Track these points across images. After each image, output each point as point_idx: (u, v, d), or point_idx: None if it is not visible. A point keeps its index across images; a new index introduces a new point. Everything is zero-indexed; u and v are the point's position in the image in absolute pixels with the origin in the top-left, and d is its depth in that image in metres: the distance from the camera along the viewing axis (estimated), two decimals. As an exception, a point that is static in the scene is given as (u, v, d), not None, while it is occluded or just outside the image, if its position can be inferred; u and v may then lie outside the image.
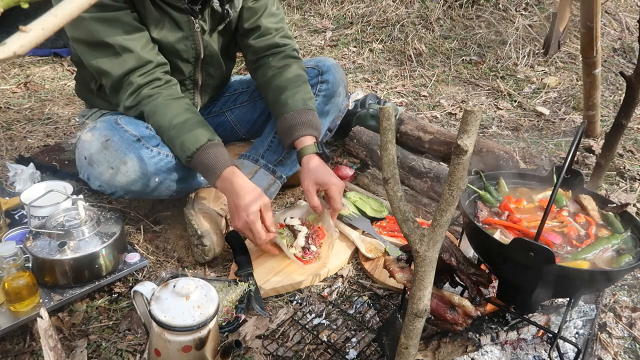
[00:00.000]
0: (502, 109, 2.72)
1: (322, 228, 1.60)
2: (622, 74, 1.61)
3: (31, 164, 1.90)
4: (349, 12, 3.85)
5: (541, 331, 1.20)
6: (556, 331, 1.08)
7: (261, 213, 1.43)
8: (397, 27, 3.59)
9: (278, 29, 1.71)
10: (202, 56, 1.62)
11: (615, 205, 1.19)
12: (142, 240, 1.66)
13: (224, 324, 1.31)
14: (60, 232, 1.33)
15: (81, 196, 1.57)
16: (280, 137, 1.66)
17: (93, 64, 1.47)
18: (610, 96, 2.86)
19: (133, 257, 1.47)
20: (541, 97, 2.85)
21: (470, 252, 1.48)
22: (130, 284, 1.47)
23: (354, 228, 1.69)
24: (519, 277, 1.05)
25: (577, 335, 1.21)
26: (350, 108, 2.32)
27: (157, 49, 1.51)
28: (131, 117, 1.55)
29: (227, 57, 1.75)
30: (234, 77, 1.97)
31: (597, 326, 1.29)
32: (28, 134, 2.32)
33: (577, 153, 2.19)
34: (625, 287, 1.53)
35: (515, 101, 2.81)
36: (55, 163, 1.97)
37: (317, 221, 1.63)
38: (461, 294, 1.24)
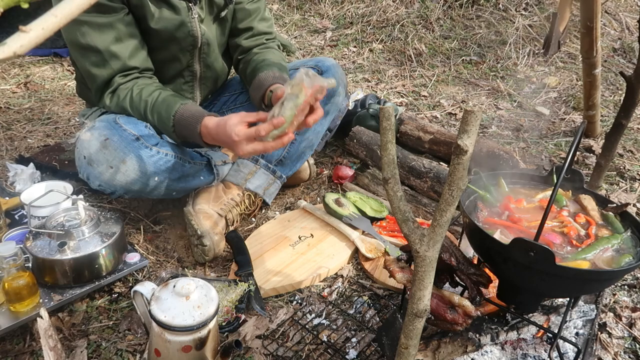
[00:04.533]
0: (502, 109, 2.72)
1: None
2: (622, 74, 1.61)
3: (31, 164, 1.90)
4: (349, 12, 3.85)
5: (541, 331, 1.20)
6: (556, 331, 1.08)
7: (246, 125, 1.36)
8: (397, 27, 3.59)
9: (267, 33, 1.80)
10: (199, 45, 1.63)
11: (615, 205, 1.19)
12: (142, 240, 1.66)
13: (224, 324, 1.31)
14: (60, 232, 1.33)
15: (81, 196, 1.57)
16: (252, 96, 1.65)
17: (82, 67, 1.51)
18: (610, 96, 2.86)
19: (133, 257, 1.47)
20: (541, 97, 2.85)
21: (470, 252, 1.47)
22: (130, 284, 1.47)
23: (354, 228, 1.69)
24: (519, 277, 1.05)
25: (577, 335, 1.21)
26: (350, 108, 2.32)
27: (146, 54, 1.55)
28: (130, 117, 1.55)
29: (224, 51, 1.78)
30: (234, 77, 1.98)
31: (597, 326, 1.29)
32: (28, 134, 2.32)
33: (577, 153, 2.19)
34: (625, 287, 1.53)
35: (515, 101, 2.81)
36: (55, 163, 1.97)
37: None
38: (461, 294, 1.24)
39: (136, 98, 1.50)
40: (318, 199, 1.94)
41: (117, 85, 1.51)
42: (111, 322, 1.35)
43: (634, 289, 1.52)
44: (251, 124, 1.36)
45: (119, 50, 1.47)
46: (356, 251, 1.63)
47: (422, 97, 2.88)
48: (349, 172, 2.03)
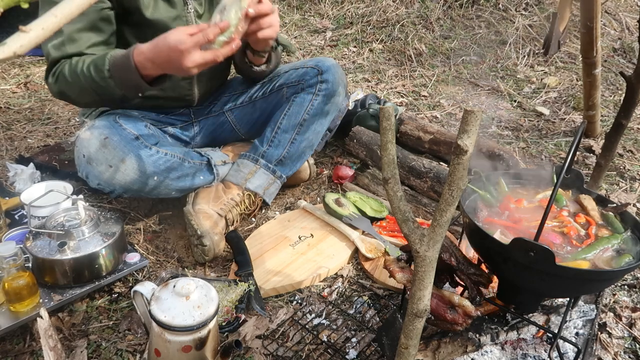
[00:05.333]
0: (502, 109, 2.72)
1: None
2: (622, 74, 1.61)
3: (31, 164, 1.90)
4: (349, 12, 3.85)
5: (541, 331, 1.20)
6: (556, 331, 1.08)
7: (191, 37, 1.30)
8: (397, 27, 3.58)
9: None
10: None
11: (615, 205, 1.19)
12: (142, 240, 1.66)
13: (224, 324, 1.31)
14: (60, 232, 1.33)
15: (81, 196, 1.57)
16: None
17: (43, 46, 1.47)
18: (610, 96, 2.86)
19: (133, 257, 1.47)
20: (541, 97, 2.85)
21: (470, 252, 1.47)
22: (130, 284, 1.47)
23: (354, 228, 1.69)
24: (519, 277, 1.05)
25: (577, 335, 1.21)
26: (350, 108, 2.32)
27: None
28: (130, 116, 1.55)
29: None
30: (235, 77, 1.98)
31: (597, 326, 1.29)
32: (28, 134, 2.32)
33: (577, 153, 2.19)
34: (625, 287, 1.53)
35: (515, 101, 2.81)
36: (55, 163, 1.97)
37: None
38: (461, 294, 1.24)
39: (74, 63, 1.44)
40: (318, 199, 1.94)
41: (62, 63, 1.47)
42: (111, 322, 1.35)
43: (634, 289, 1.52)
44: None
45: (80, 37, 1.44)
46: (356, 251, 1.63)
47: (422, 97, 2.88)
48: (349, 172, 2.03)
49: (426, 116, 2.64)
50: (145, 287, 1.13)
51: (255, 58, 1.67)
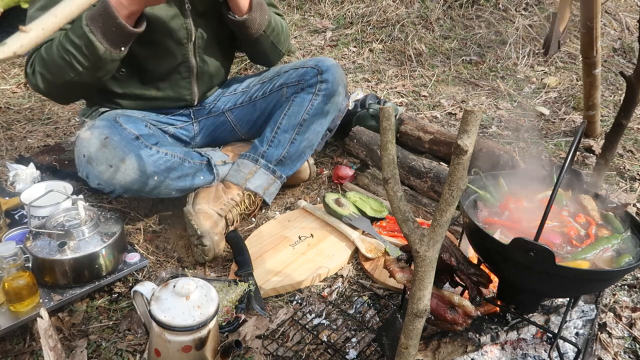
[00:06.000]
0: (502, 109, 2.72)
1: None
2: (622, 74, 1.61)
3: (31, 164, 1.90)
4: (349, 12, 3.85)
5: (541, 331, 1.20)
6: (556, 331, 1.08)
7: None
8: (397, 27, 3.58)
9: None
10: (193, 38, 1.63)
11: (615, 205, 1.19)
12: (142, 240, 1.66)
13: (224, 324, 1.31)
14: (60, 232, 1.33)
15: (81, 196, 1.57)
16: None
17: None
18: (610, 96, 2.86)
19: (133, 257, 1.47)
20: (541, 97, 2.84)
21: (470, 252, 1.47)
22: (130, 284, 1.47)
23: (354, 228, 1.69)
24: (519, 277, 1.05)
25: (577, 335, 1.21)
26: (350, 108, 2.32)
27: None
28: (130, 116, 1.55)
29: (222, 45, 1.77)
30: (235, 77, 1.98)
31: (597, 326, 1.29)
32: (28, 134, 2.32)
33: (577, 153, 2.19)
34: (625, 287, 1.53)
35: (515, 101, 2.81)
36: (55, 163, 1.97)
37: None
38: (461, 294, 1.24)
39: (49, 43, 1.41)
40: (318, 199, 1.94)
41: (39, 50, 1.44)
42: (111, 322, 1.35)
43: (634, 289, 1.52)
44: None
45: (65, 28, 1.40)
46: (356, 251, 1.63)
47: (422, 97, 2.87)
48: (349, 172, 2.03)
49: (426, 116, 2.64)
50: (145, 287, 1.13)
51: (233, 3, 1.59)
